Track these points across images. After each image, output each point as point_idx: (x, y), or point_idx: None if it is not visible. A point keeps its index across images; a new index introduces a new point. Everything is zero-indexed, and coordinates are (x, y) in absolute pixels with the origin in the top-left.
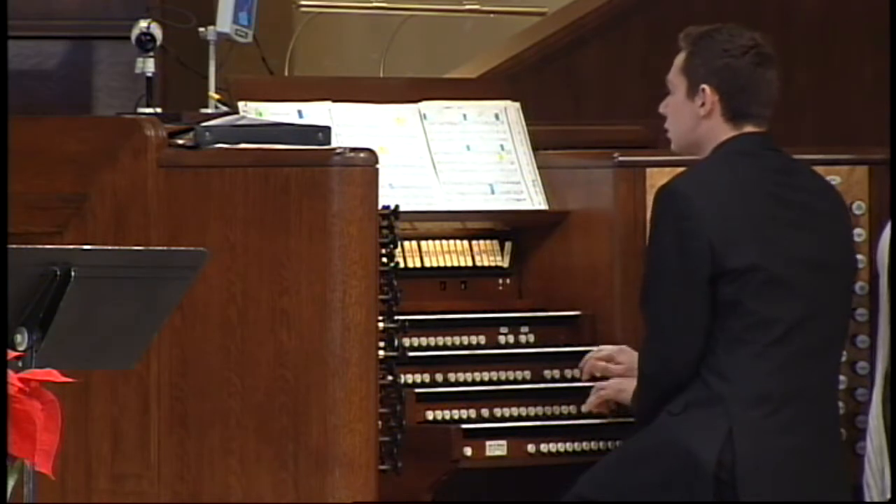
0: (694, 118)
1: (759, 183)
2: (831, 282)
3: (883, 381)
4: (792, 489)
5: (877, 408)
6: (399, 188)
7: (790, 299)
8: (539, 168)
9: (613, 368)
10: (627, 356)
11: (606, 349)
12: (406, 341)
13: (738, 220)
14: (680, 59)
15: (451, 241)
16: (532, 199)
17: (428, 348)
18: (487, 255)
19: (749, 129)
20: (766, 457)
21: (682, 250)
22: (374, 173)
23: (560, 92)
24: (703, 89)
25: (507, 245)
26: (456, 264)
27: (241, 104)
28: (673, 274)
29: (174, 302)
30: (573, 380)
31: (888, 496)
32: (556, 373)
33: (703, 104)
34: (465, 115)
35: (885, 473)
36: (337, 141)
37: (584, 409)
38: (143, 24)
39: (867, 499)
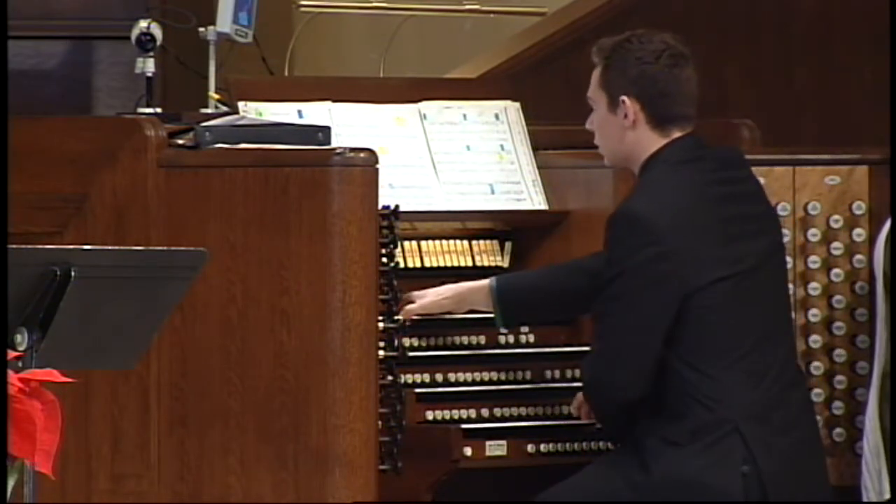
0: (619, 131)
1: (703, 189)
2: (775, 266)
3: (880, 381)
4: (792, 490)
5: (873, 409)
6: (399, 188)
7: (758, 297)
8: (539, 168)
9: (409, 308)
10: (420, 293)
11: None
12: (406, 341)
13: (697, 235)
14: (596, 74)
15: (451, 241)
16: (532, 199)
17: (428, 348)
18: (487, 255)
19: (676, 133)
20: (780, 462)
21: (648, 274)
22: (374, 173)
23: (560, 92)
24: (623, 101)
25: (507, 245)
26: (456, 264)
27: (241, 104)
28: (638, 297)
29: (174, 302)
30: (573, 380)
31: (886, 497)
32: (556, 373)
33: (626, 116)
34: (465, 115)
35: (882, 474)
36: (337, 141)
37: (571, 408)
38: (143, 24)
39: (865, 499)
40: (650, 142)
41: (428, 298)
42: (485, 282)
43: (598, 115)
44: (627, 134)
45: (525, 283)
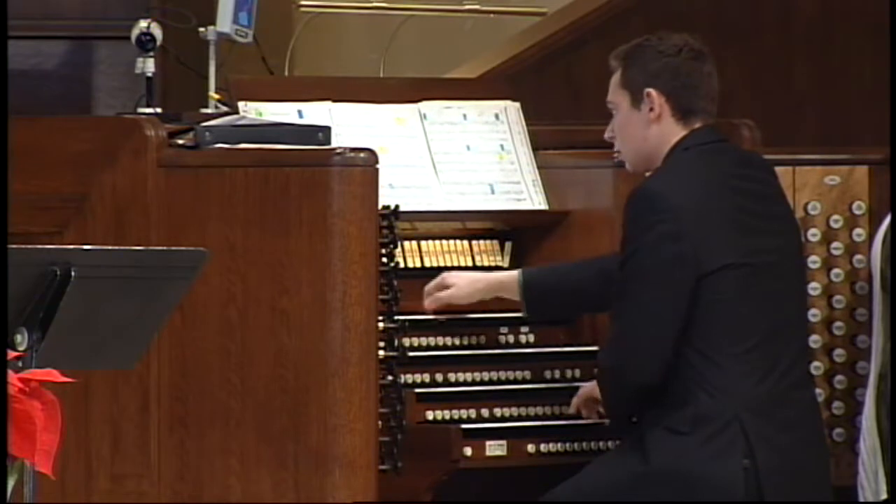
0: (644, 126)
1: (723, 178)
2: (793, 266)
3: (876, 381)
4: (790, 489)
5: (870, 409)
6: (399, 188)
7: (771, 292)
8: (539, 168)
9: (443, 296)
10: (455, 278)
11: (437, 281)
12: (406, 341)
13: (713, 219)
14: (616, 77)
15: (451, 241)
16: (532, 199)
17: (428, 348)
18: (487, 255)
19: (698, 125)
20: (779, 459)
21: (663, 252)
22: (374, 173)
23: (560, 92)
24: (649, 93)
25: (507, 245)
26: (456, 264)
27: (241, 104)
28: (653, 276)
29: (174, 302)
30: (573, 380)
31: (882, 497)
32: (556, 373)
33: (651, 109)
34: (465, 115)
35: (878, 474)
36: (337, 141)
37: (571, 410)
38: (143, 24)
39: (861, 500)
40: (673, 134)
41: (461, 290)
42: (514, 274)
43: (620, 116)
44: (652, 128)
45: (550, 279)
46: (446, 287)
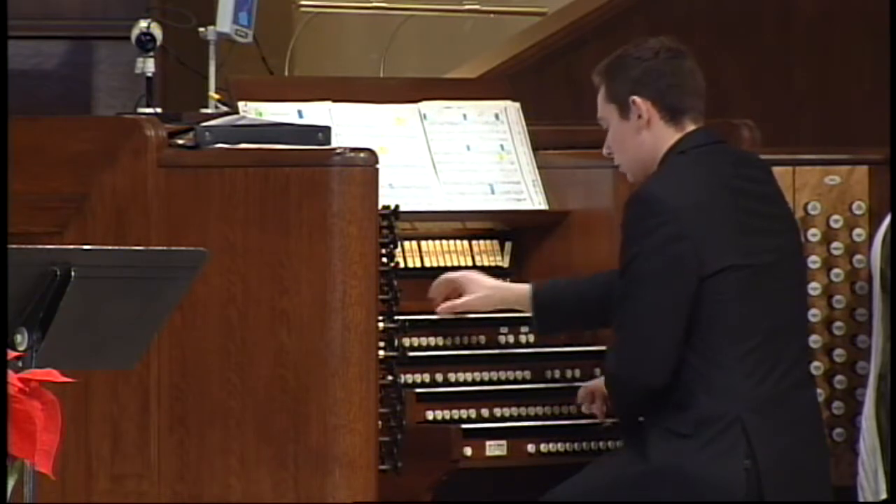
0: (635, 135)
1: (722, 179)
2: (793, 267)
3: (876, 381)
4: (790, 489)
5: (869, 409)
6: (399, 188)
7: (772, 292)
8: (539, 168)
9: (458, 304)
10: (474, 285)
11: (453, 276)
12: (406, 341)
13: (714, 220)
14: (601, 93)
15: (451, 241)
16: (532, 199)
17: (428, 348)
18: (487, 255)
19: (690, 126)
20: (779, 459)
21: (666, 255)
22: (374, 173)
23: (560, 92)
24: (634, 101)
25: (507, 245)
26: (456, 264)
27: (241, 104)
28: (657, 279)
29: (174, 302)
30: (573, 380)
31: (882, 497)
32: (556, 373)
33: (639, 116)
34: (465, 115)
35: (878, 474)
36: (337, 141)
37: (578, 400)
38: (143, 24)
39: (861, 499)
40: (667, 138)
41: (478, 301)
42: (525, 288)
43: (612, 129)
44: (643, 135)
45: (560, 294)
46: (462, 291)
